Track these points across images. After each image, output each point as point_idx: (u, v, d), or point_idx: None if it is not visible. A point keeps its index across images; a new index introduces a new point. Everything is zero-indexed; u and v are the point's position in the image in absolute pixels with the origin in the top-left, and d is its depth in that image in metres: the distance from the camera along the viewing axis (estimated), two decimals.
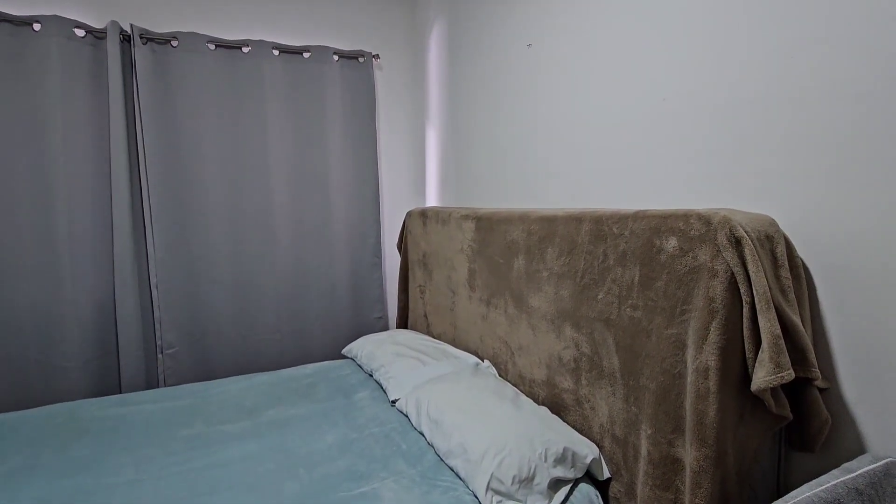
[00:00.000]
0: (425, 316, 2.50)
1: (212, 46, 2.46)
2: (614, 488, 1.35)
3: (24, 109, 2.14)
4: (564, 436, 1.38)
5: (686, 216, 1.13)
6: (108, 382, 2.33)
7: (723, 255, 1.04)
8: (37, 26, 2.14)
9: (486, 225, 1.93)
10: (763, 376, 0.99)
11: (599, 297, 1.38)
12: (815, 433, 1.09)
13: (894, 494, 0.90)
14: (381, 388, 1.99)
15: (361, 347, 2.29)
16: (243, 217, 2.57)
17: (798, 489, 0.89)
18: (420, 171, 3.05)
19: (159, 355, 2.41)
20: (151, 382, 2.41)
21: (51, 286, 2.21)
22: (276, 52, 2.58)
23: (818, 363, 1.07)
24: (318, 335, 2.77)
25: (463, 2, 2.42)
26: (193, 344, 2.49)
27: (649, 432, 1.21)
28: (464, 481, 1.34)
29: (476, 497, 1.28)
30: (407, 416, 1.72)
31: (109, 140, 2.26)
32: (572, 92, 1.77)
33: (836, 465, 0.95)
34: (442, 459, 1.45)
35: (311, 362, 2.56)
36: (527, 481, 1.25)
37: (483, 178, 2.38)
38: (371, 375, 2.12)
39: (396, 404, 1.82)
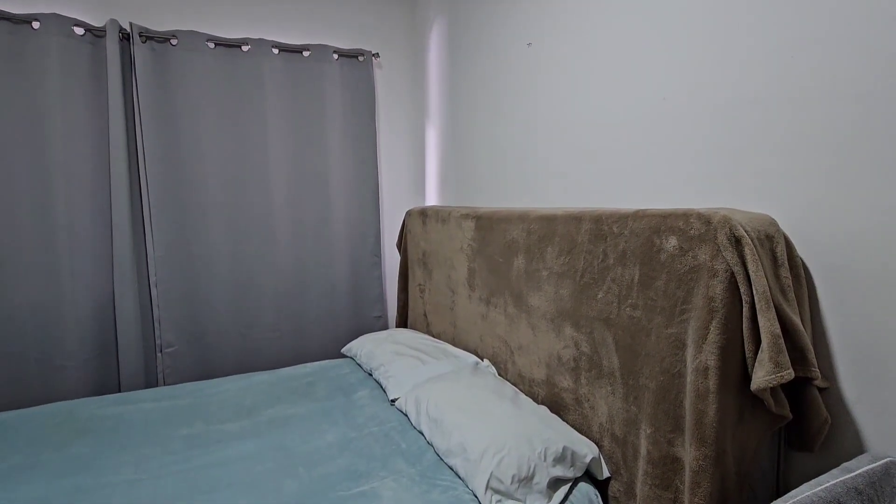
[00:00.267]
0: (425, 315, 2.50)
1: (211, 45, 2.45)
2: (614, 487, 1.35)
3: (24, 108, 2.14)
4: (564, 435, 1.38)
5: (686, 215, 1.13)
6: (108, 381, 2.33)
7: (723, 254, 1.04)
8: (36, 25, 2.13)
9: (486, 224, 1.93)
10: (763, 376, 0.99)
11: (599, 296, 1.38)
12: (815, 433, 1.09)
13: (894, 494, 0.90)
14: (381, 387, 1.99)
15: (361, 346, 2.29)
16: (243, 216, 2.57)
17: (797, 489, 0.89)
18: (420, 170, 3.04)
19: (158, 354, 2.41)
20: (151, 381, 2.40)
21: (50, 285, 2.21)
22: (275, 51, 2.58)
23: (818, 363, 1.07)
24: (318, 334, 2.77)
25: (463, 1, 2.42)
26: (193, 343, 2.49)
27: (649, 431, 1.21)
28: (463, 480, 1.34)
29: (475, 496, 1.28)
30: (406, 416, 1.72)
31: (109, 139, 2.25)
32: (572, 91, 1.77)
33: (836, 465, 0.95)
34: (441, 458, 1.46)
35: (310, 361, 2.56)
36: (526, 480, 1.25)
37: (483, 178, 2.37)
38: (370, 374, 2.12)
39: (396, 403, 1.82)
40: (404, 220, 2.71)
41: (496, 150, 2.25)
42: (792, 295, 1.07)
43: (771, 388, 1.01)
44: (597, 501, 1.32)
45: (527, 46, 1.98)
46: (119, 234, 2.27)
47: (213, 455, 1.52)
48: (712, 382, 1.04)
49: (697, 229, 1.10)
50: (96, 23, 2.26)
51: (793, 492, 0.88)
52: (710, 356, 1.05)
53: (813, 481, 0.90)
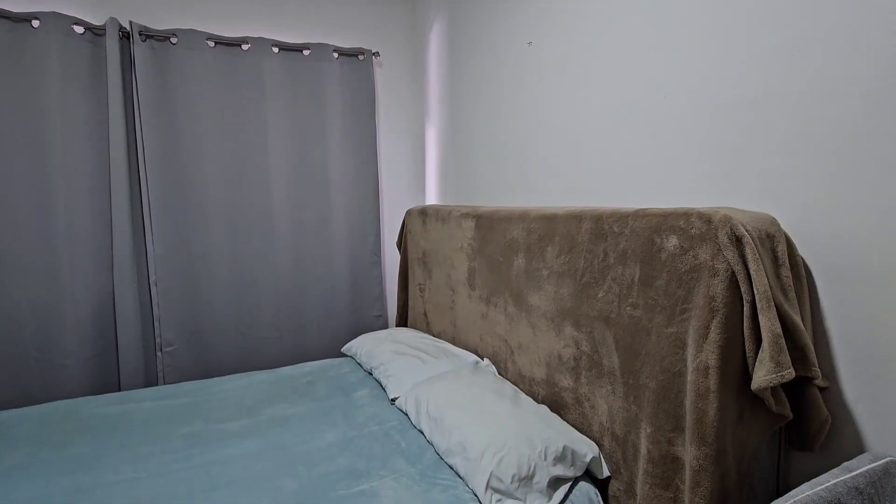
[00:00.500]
0: (425, 314, 2.50)
1: (211, 44, 2.45)
2: (614, 487, 1.35)
3: (23, 107, 2.13)
4: (564, 434, 1.38)
5: (687, 215, 1.13)
6: (108, 380, 2.33)
7: (723, 253, 1.04)
8: (35, 23, 2.13)
9: (486, 223, 1.93)
10: (763, 375, 0.99)
11: (599, 295, 1.38)
12: (815, 432, 1.09)
13: (894, 493, 0.90)
14: (381, 386, 1.99)
15: (361, 346, 2.29)
16: (243, 215, 2.57)
17: (798, 488, 0.89)
18: (420, 169, 3.04)
19: (158, 353, 2.41)
20: (151, 380, 2.40)
21: (50, 284, 2.20)
22: (275, 50, 2.58)
23: (818, 362, 1.07)
24: (318, 333, 2.77)
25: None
26: (193, 342, 2.49)
27: (649, 431, 1.21)
28: (463, 480, 1.34)
29: (475, 495, 1.28)
30: (406, 415, 1.72)
31: (109, 137, 2.25)
32: (572, 90, 1.77)
33: (836, 464, 0.95)
34: (441, 458, 1.45)
35: (310, 360, 2.56)
36: (526, 480, 1.25)
37: (483, 177, 2.37)
38: (370, 374, 2.12)
39: (396, 402, 1.81)
40: (404, 220, 2.70)
41: (496, 149, 2.24)
42: (793, 294, 1.07)
43: (771, 387, 1.01)
44: (597, 501, 1.32)
45: (527, 45, 1.98)
46: (119, 232, 2.27)
47: (212, 454, 1.52)
48: (713, 382, 1.04)
49: (698, 228, 1.10)
50: (96, 21, 2.26)
51: (793, 491, 0.88)
52: (710, 355, 1.04)
53: (813, 481, 0.90)
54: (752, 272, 1.00)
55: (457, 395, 1.61)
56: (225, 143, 2.50)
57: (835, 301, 1.10)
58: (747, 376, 1.05)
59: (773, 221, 1.11)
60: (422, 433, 1.59)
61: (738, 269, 1.02)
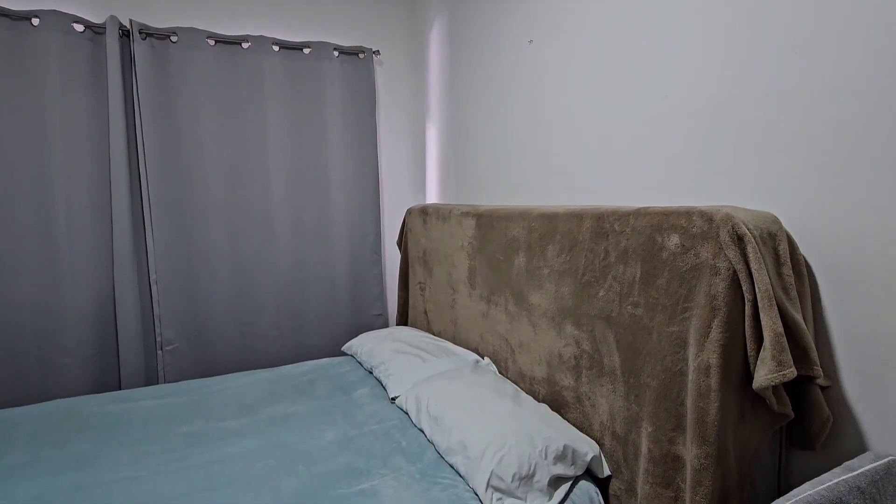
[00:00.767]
0: (425, 313, 2.50)
1: (211, 42, 2.45)
2: (614, 486, 1.35)
3: (23, 105, 2.13)
4: (564, 433, 1.38)
5: (688, 213, 1.13)
6: (108, 379, 2.33)
7: (725, 252, 1.03)
8: (35, 21, 2.13)
9: (487, 222, 1.92)
10: (765, 374, 0.99)
11: (600, 294, 1.37)
12: (817, 431, 1.09)
13: None
14: (381, 385, 1.99)
15: (361, 344, 2.29)
16: (243, 213, 2.57)
17: (799, 487, 0.88)
18: (420, 168, 3.04)
19: (159, 352, 2.41)
20: (151, 379, 2.40)
21: (50, 282, 2.20)
22: (276, 48, 2.57)
23: (820, 361, 1.07)
24: (318, 332, 2.77)
25: None
26: (193, 340, 2.49)
27: (650, 430, 1.21)
28: (464, 478, 1.34)
29: (476, 494, 1.28)
30: (407, 414, 1.72)
31: (109, 136, 2.25)
32: (573, 88, 1.76)
33: (838, 464, 0.95)
34: (442, 457, 1.45)
35: (310, 359, 2.56)
36: (527, 479, 1.25)
37: (484, 175, 2.37)
38: (371, 372, 2.12)
39: (396, 401, 1.81)
40: (405, 218, 2.70)
41: (497, 148, 2.24)
42: (794, 293, 1.07)
43: (773, 386, 1.00)
44: (598, 500, 1.32)
45: (528, 44, 1.98)
46: (119, 231, 2.27)
47: (212, 453, 1.52)
48: (714, 381, 1.04)
49: (700, 227, 1.09)
50: (96, 19, 2.26)
51: (794, 490, 0.88)
52: (711, 354, 1.04)
53: (815, 480, 0.90)
54: (753, 271, 1.00)
55: (457, 394, 1.60)
56: (225, 142, 2.50)
57: (836, 300, 1.09)
58: (749, 375, 1.05)
59: (775, 220, 1.10)
60: (422, 432, 1.59)
61: (740, 267, 1.02)
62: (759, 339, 1.02)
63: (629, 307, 1.28)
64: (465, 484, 1.33)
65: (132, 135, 2.32)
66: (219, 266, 2.52)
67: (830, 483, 0.87)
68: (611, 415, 1.35)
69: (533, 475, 1.26)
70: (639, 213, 1.26)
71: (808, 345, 1.04)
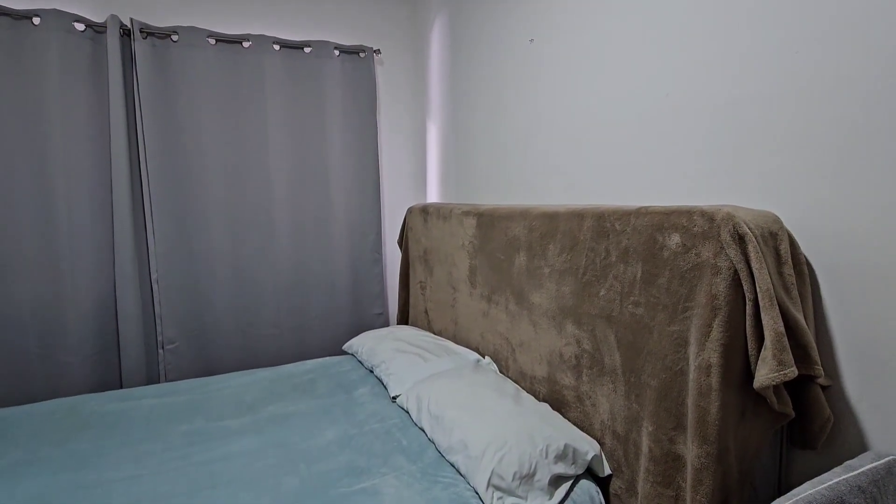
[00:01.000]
0: (426, 312, 2.50)
1: (212, 41, 2.45)
2: (615, 485, 1.35)
3: (24, 104, 2.13)
4: (565, 432, 1.38)
5: (689, 212, 1.12)
6: (109, 377, 2.33)
7: (726, 251, 1.03)
8: (36, 20, 2.13)
9: (488, 221, 1.92)
10: (766, 373, 0.99)
11: (601, 293, 1.37)
12: (818, 431, 1.09)
13: None
14: (382, 384, 1.99)
15: (362, 343, 2.29)
16: (243, 212, 2.57)
17: (800, 487, 0.88)
18: (421, 167, 3.04)
19: (160, 350, 2.41)
20: (152, 378, 2.41)
21: (51, 281, 2.21)
22: (276, 47, 2.57)
23: (821, 360, 1.06)
24: (319, 331, 2.77)
25: None
26: (194, 339, 2.49)
27: (650, 429, 1.21)
28: (465, 477, 1.34)
29: (477, 493, 1.28)
30: (407, 413, 1.72)
31: (110, 135, 2.25)
32: (574, 87, 1.76)
33: (838, 463, 0.95)
34: (443, 455, 1.45)
35: (311, 358, 2.56)
36: (527, 477, 1.25)
37: (484, 174, 2.37)
38: (371, 371, 2.12)
39: (397, 400, 1.81)
40: (405, 217, 2.70)
41: (498, 147, 2.24)
42: (795, 293, 1.06)
43: (774, 385, 1.00)
44: (598, 499, 1.32)
45: (529, 42, 1.97)
46: (120, 230, 2.27)
47: (213, 451, 1.52)
48: (715, 380, 1.04)
49: (701, 226, 1.09)
50: (97, 18, 2.26)
51: (795, 490, 0.88)
52: (712, 354, 1.04)
53: (815, 479, 0.90)
54: (754, 270, 1.00)
55: (458, 394, 1.61)
56: (226, 141, 2.50)
57: (837, 299, 1.09)
58: (749, 375, 1.05)
59: (776, 219, 1.10)
60: (423, 431, 1.59)
61: (741, 267, 1.02)
62: (760, 339, 1.02)
63: (630, 306, 1.27)
64: (465, 483, 1.33)
65: (133, 134, 2.32)
66: (219, 265, 2.53)
67: (831, 482, 0.87)
68: (611, 414, 1.35)
69: (534, 474, 1.26)
70: (640, 213, 1.26)
71: (809, 344, 1.03)
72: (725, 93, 1.27)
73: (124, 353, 2.31)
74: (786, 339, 0.99)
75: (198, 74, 2.42)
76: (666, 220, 1.18)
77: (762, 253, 1.01)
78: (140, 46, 2.28)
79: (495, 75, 2.21)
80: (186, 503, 1.28)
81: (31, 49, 2.13)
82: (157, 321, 2.40)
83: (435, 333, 2.37)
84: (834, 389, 1.10)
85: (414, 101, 3.02)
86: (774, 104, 1.16)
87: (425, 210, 2.46)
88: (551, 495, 1.26)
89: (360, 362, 2.25)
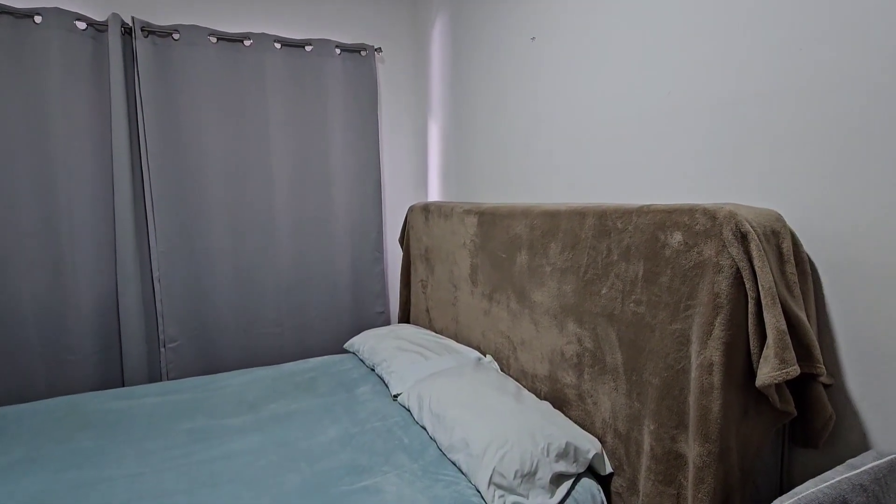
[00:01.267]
0: (427, 311, 2.50)
1: (213, 39, 2.45)
2: (616, 483, 1.35)
3: (25, 102, 2.13)
4: (566, 431, 1.38)
5: (691, 211, 1.12)
6: (111, 376, 2.34)
7: (728, 250, 1.03)
8: (38, 19, 2.13)
9: (489, 220, 1.92)
10: (768, 372, 0.98)
11: (603, 292, 1.37)
12: (820, 429, 1.08)
13: None
14: (383, 382, 1.99)
15: (363, 342, 2.29)
16: (245, 211, 2.57)
17: (802, 485, 0.88)
18: (422, 166, 3.04)
19: (162, 349, 2.42)
20: (154, 376, 2.41)
21: (53, 280, 2.21)
22: (277, 46, 2.57)
23: (823, 359, 1.06)
24: (320, 329, 2.77)
25: None
26: (195, 338, 2.50)
27: (652, 427, 1.21)
28: (466, 476, 1.34)
29: (478, 491, 1.28)
30: (409, 411, 1.72)
31: (111, 134, 2.25)
32: (575, 86, 1.76)
33: (841, 462, 0.94)
34: (444, 454, 1.45)
35: (312, 356, 2.56)
36: (529, 476, 1.25)
37: (486, 173, 2.37)
38: (373, 370, 2.12)
39: (398, 399, 1.82)
40: (407, 216, 2.70)
41: (499, 146, 2.24)
42: (798, 291, 1.06)
43: (776, 384, 1.00)
44: (599, 497, 1.32)
45: (530, 41, 1.97)
46: (122, 228, 2.27)
47: (215, 449, 1.52)
48: (717, 378, 1.04)
49: (703, 225, 1.09)
50: (98, 17, 2.26)
51: (797, 488, 0.88)
52: (714, 352, 1.04)
53: (817, 478, 0.90)
54: (756, 269, 1.00)
55: (459, 392, 1.61)
56: (227, 139, 2.50)
57: (840, 298, 1.09)
58: (751, 373, 1.05)
59: (779, 218, 1.10)
60: (424, 429, 1.59)
61: (743, 265, 1.01)
62: (763, 337, 1.02)
63: (632, 305, 1.27)
64: (467, 481, 1.33)
65: (134, 132, 2.32)
66: (221, 263, 2.53)
67: (833, 481, 0.87)
68: (613, 412, 1.35)
69: (535, 472, 1.26)
70: (641, 211, 1.26)
71: (811, 342, 1.03)
72: (726, 92, 1.26)
73: (126, 351, 2.31)
74: (788, 337, 0.99)
75: (199, 73, 2.42)
76: (668, 218, 1.17)
77: (764, 251, 1.01)
78: (141, 45, 2.28)
79: (496, 74, 2.20)
80: (188, 501, 1.28)
81: (32, 48, 2.13)
82: (159, 320, 2.40)
83: (436, 332, 2.37)
84: (836, 388, 1.10)
85: (415, 99, 3.02)
86: (775, 103, 1.16)
87: (426, 209, 2.46)
88: (552, 493, 1.26)
89: (361, 361, 2.26)
